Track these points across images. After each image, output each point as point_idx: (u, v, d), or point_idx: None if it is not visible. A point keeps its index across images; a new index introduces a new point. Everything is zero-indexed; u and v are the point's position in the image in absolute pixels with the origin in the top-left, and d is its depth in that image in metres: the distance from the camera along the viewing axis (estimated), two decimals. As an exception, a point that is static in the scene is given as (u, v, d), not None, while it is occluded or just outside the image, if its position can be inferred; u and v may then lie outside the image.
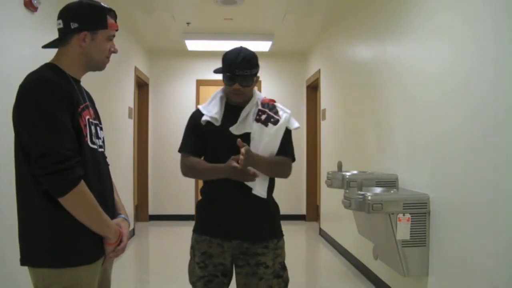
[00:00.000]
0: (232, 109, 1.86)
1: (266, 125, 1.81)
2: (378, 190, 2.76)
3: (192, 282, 1.87)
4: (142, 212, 6.29)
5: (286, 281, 1.85)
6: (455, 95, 2.30)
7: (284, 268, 1.86)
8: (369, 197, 2.47)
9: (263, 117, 1.83)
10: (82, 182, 1.29)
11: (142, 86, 6.23)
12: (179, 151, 1.90)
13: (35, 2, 2.58)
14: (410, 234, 2.48)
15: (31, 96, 1.29)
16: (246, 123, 1.83)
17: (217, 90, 1.95)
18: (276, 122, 1.82)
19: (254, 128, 1.81)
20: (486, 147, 2.03)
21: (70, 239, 1.32)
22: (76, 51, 1.42)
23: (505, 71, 1.90)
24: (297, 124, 1.90)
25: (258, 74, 1.87)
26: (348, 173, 3.01)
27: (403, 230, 2.47)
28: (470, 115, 2.16)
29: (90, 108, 1.49)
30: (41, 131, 1.26)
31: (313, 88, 6.31)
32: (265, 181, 1.82)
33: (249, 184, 1.77)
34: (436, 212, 2.47)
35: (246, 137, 1.79)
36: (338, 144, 4.53)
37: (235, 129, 1.80)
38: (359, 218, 3.21)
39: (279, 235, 1.88)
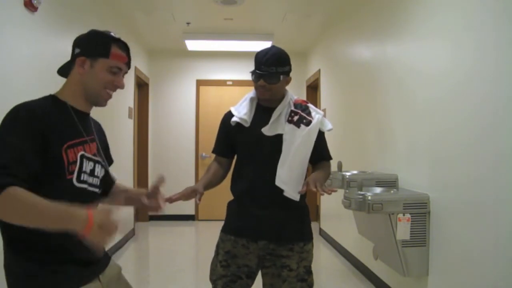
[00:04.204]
0: (263, 110, 1.85)
1: (299, 126, 1.78)
2: (378, 190, 2.76)
3: (212, 280, 1.86)
4: (142, 212, 6.29)
5: (310, 285, 1.83)
6: (455, 95, 2.30)
7: (309, 272, 1.83)
8: (369, 197, 2.47)
9: (296, 118, 1.80)
10: (11, 188, 1.10)
11: (142, 86, 6.23)
12: (212, 152, 1.98)
13: (35, 2, 2.58)
14: (410, 234, 2.48)
15: (5, 116, 1.23)
16: (278, 124, 1.81)
17: (249, 92, 1.94)
18: (308, 123, 1.80)
19: (286, 129, 1.78)
20: (486, 147, 2.03)
21: (43, 271, 1.22)
22: (75, 79, 1.35)
23: (505, 71, 1.90)
24: (330, 126, 1.87)
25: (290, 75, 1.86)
26: (348, 173, 3.01)
27: (403, 230, 2.47)
28: (470, 115, 2.16)
29: (93, 143, 1.40)
30: None
31: (313, 88, 6.31)
32: (298, 183, 1.76)
33: (281, 186, 1.75)
34: (436, 212, 2.47)
35: (278, 139, 1.78)
36: (338, 144, 4.53)
37: (267, 130, 1.79)
38: (359, 218, 3.21)
39: (307, 238, 1.85)
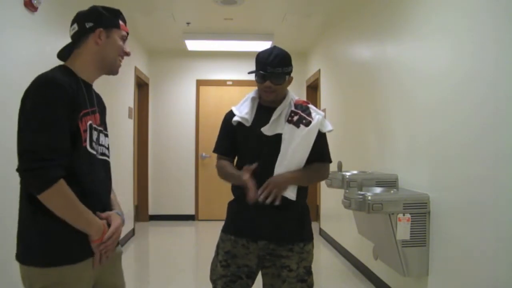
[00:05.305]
0: (264, 110, 1.85)
1: (298, 127, 1.78)
2: (378, 190, 2.76)
3: (212, 280, 1.86)
4: (142, 212, 6.29)
5: (310, 286, 1.83)
6: (455, 95, 2.30)
7: (309, 272, 1.83)
8: (369, 197, 2.47)
9: (295, 118, 1.81)
10: (61, 182, 1.27)
11: (142, 86, 6.23)
12: (213, 151, 1.96)
13: (35, 2, 2.57)
14: (410, 234, 2.48)
15: (31, 94, 1.32)
16: (278, 124, 1.81)
17: (251, 92, 1.94)
18: (308, 123, 1.79)
19: (286, 129, 1.79)
20: (486, 147, 2.03)
21: (53, 239, 1.32)
22: (92, 51, 1.45)
23: (505, 71, 1.90)
24: (331, 127, 1.87)
25: (292, 75, 1.87)
26: (348, 173, 3.01)
27: (403, 230, 2.47)
28: (470, 115, 2.16)
29: (97, 114, 1.49)
30: (29, 128, 1.27)
31: (313, 88, 6.31)
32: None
33: None
34: (436, 212, 2.47)
35: (278, 138, 1.78)
36: (338, 144, 4.53)
37: (266, 130, 1.80)
38: (359, 218, 3.21)
39: (307, 238, 1.85)
